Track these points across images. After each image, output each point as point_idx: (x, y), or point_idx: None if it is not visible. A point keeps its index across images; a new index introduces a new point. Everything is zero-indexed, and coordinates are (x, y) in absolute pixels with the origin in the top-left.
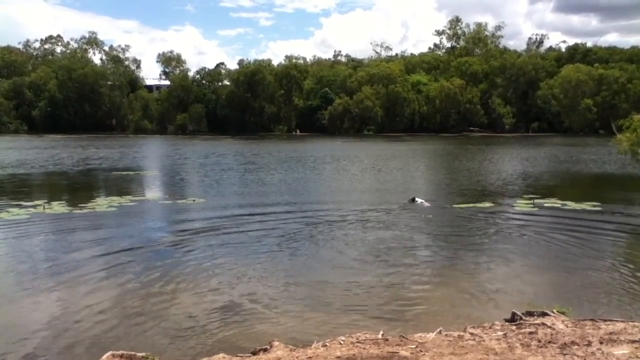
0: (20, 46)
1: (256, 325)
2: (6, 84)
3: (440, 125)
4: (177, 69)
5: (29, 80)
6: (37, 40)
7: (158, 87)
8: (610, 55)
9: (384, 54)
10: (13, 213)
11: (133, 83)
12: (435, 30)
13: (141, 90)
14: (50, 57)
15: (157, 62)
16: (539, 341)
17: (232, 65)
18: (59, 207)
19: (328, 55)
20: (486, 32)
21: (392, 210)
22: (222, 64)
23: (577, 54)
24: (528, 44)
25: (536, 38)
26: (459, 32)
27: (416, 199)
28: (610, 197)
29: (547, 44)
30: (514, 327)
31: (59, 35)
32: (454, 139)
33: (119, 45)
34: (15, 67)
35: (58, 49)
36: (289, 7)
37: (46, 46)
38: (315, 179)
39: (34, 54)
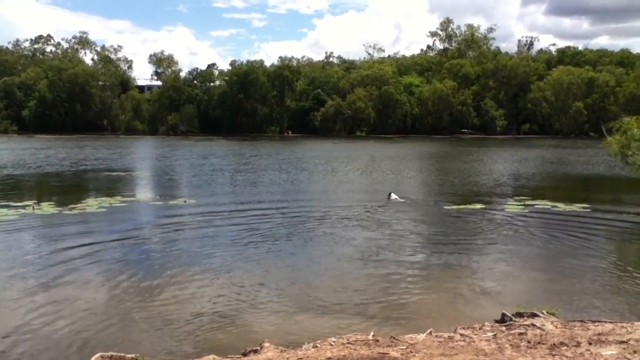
0: (10, 46)
1: (247, 326)
2: None
3: (432, 127)
4: (169, 69)
5: (19, 80)
6: (27, 40)
7: (149, 87)
8: (599, 58)
9: (376, 55)
10: (1, 214)
11: (124, 83)
12: (429, 31)
13: (132, 90)
14: (40, 56)
15: (149, 62)
16: (529, 342)
17: (224, 66)
18: (48, 207)
19: (321, 56)
20: (478, 34)
21: (382, 211)
22: (214, 64)
23: (566, 56)
24: (518, 47)
25: (526, 40)
26: (451, 33)
27: (391, 194)
28: (599, 198)
29: (537, 47)
30: (503, 328)
31: (49, 35)
32: (446, 140)
33: (111, 46)
34: (5, 66)
35: (48, 49)
36: (281, 8)
37: (36, 46)
38: (307, 181)
39: (24, 53)
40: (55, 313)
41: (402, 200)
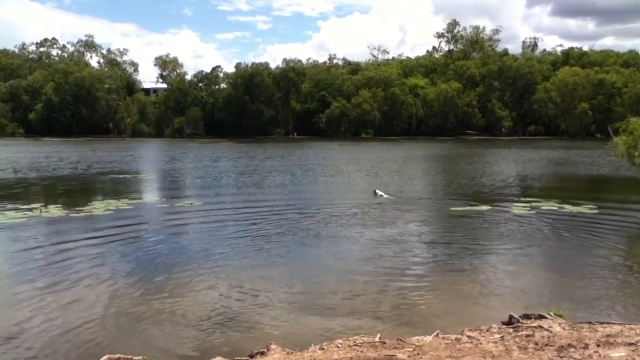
0: (16, 49)
1: (253, 328)
2: (3, 87)
3: (438, 128)
4: (174, 72)
5: (26, 83)
6: (32, 43)
7: (155, 90)
8: (605, 58)
9: (380, 57)
10: (9, 217)
11: (130, 86)
12: (436, 32)
13: (138, 93)
14: (46, 60)
15: (155, 65)
16: (536, 344)
17: (230, 68)
18: (55, 210)
19: (326, 58)
20: (483, 36)
21: (389, 212)
22: (219, 67)
23: (572, 58)
24: (522, 48)
25: (530, 41)
26: (458, 35)
27: (376, 191)
28: (606, 199)
29: (541, 47)
30: (511, 330)
31: (54, 38)
32: (451, 142)
33: (117, 49)
34: (12, 70)
35: (54, 52)
36: (286, 10)
37: (42, 49)
38: (314, 182)
39: (30, 57)
40: (63, 315)
41: (388, 196)
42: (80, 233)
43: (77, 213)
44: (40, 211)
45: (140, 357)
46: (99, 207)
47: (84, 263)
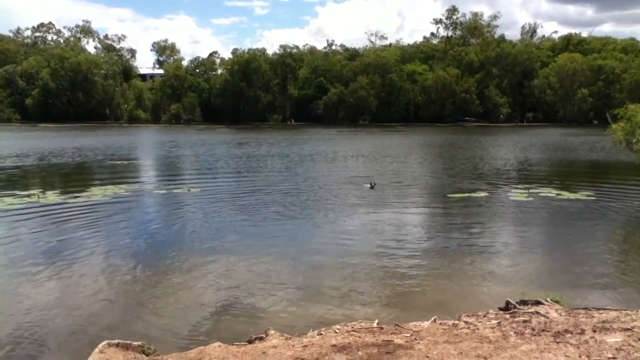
0: (11, 34)
1: (252, 314)
2: None
3: (436, 115)
4: (171, 57)
5: (21, 68)
6: (28, 28)
7: (152, 76)
8: (604, 45)
9: (378, 43)
10: (7, 202)
11: (127, 72)
12: (433, 19)
13: (135, 79)
14: (41, 45)
15: (152, 50)
16: (533, 329)
17: (227, 54)
18: (53, 196)
19: (324, 44)
20: (482, 22)
21: (387, 199)
22: (216, 52)
23: (571, 44)
24: (521, 33)
25: (529, 27)
26: (456, 21)
27: (372, 183)
28: (603, 185)
29: (540, 33)
30: (508, 316)
31: (50, 23)
32: (449, 129)
33: (115, 35)
34: (7, 55)
35: (49, 37)
36: None
37: (37, 34)
38: (310, 169)
39: (25, 42)
40: (61, 301)
41: (369, 185)
42: (78, 219)
43: (75, 199)
44: (38, 197)
45: (139, 343)
46: (97, 193)
47: (82, 249)
